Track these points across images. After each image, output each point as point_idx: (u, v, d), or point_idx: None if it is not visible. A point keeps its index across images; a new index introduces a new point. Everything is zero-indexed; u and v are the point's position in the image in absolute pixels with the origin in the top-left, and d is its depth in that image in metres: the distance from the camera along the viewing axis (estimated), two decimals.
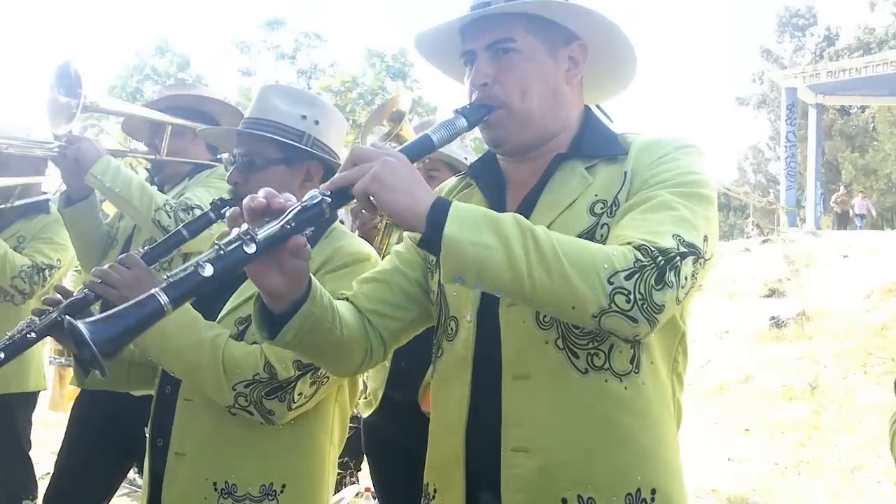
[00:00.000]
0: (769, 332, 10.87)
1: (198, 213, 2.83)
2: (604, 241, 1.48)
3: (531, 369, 1.51)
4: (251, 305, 1.93)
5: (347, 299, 1.71)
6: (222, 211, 2.20)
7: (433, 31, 1.66)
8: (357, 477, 5.16)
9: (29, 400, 3.71)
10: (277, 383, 1.87)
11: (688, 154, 1.55)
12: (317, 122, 2.10)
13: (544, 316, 1.49)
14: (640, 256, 1.34)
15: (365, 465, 5.41)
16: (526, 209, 1.60)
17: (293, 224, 1.35)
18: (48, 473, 3.98)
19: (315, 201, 1.37)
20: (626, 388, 1.49)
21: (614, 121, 1.76)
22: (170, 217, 2.81)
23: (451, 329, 1.65)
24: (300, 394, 1.89)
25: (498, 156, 1.73)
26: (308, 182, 2.09)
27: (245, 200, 1.37)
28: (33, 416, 3.82)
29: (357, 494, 5.07)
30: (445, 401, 1.65)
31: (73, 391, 3.55)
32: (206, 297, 2.09)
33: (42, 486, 3.91)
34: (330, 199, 1.38)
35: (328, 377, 1.92)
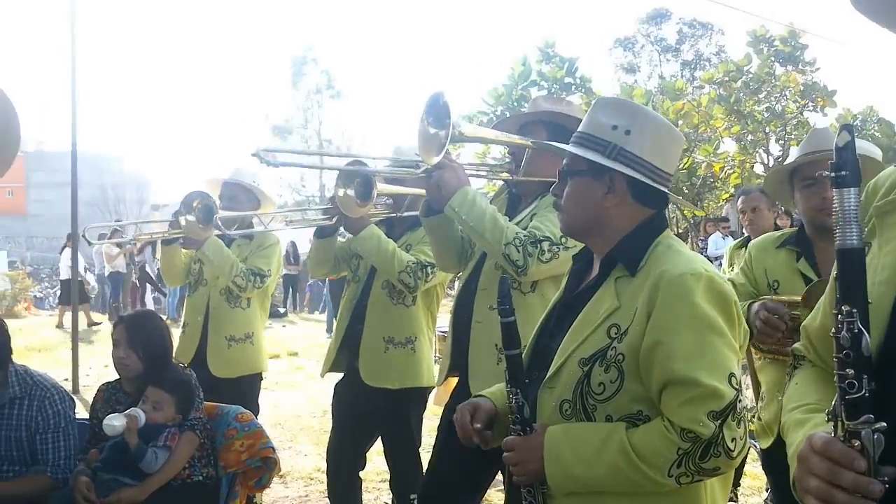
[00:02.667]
0: None
1: (545, 245, 2.85)
2: None
3: None
4: (592, 343, 1.88)
5: None
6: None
7: None
8: (735, 494, 4.90)
9: (421, 395, 3.98)
10: (705, 443, 1.74)
11: None
12: (627, 133, 1.95)
13: None
14: None
15: (744, 482, 5.14)
16: None
17: None
18: None
19: None
20: None
21: None
22: (518, 251, 2.83)
23: None
24: (733, 439, 1.75)
25: None
26: (611, 194, 1.98)
27: None
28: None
29: None
30: None
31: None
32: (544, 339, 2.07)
33: None
34: None
35: (744, 409, 1.77)
